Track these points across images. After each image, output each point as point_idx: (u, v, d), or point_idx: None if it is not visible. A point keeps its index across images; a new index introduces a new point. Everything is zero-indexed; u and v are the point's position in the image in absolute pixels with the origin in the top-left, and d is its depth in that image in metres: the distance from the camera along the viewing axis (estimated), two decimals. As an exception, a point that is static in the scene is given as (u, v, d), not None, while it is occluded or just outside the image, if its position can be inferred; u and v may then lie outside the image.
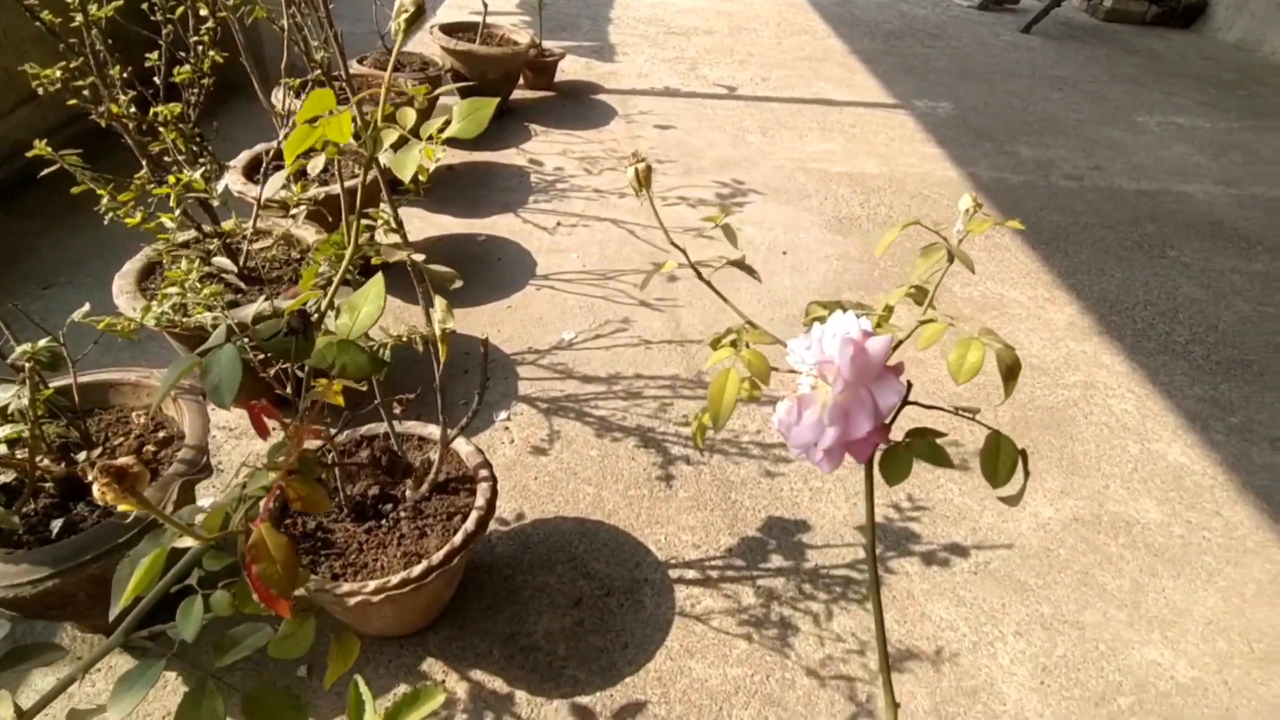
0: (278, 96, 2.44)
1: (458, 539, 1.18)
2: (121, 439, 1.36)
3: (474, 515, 1.22)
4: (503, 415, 1.77)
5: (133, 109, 1.44)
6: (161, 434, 1.37)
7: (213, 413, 1.70)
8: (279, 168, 2.09)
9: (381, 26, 2.92)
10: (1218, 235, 2.84)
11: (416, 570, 1.14)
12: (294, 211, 1.07)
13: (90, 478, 0.45)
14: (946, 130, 3.35)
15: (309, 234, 1.84)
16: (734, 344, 0.68)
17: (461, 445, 1.35)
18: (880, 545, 1.54)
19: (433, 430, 1.38)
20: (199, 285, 1.04)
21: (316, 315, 0.59)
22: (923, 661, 1.35)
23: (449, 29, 3.31)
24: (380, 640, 1.32)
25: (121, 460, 0.46)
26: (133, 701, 0.50)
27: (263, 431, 0.56)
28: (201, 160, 1.40)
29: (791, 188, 2.81)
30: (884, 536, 1.55)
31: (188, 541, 0.56)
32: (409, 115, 0.60)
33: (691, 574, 1.45)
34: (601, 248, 2.41)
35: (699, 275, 0.79)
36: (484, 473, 1.30)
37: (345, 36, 1.40)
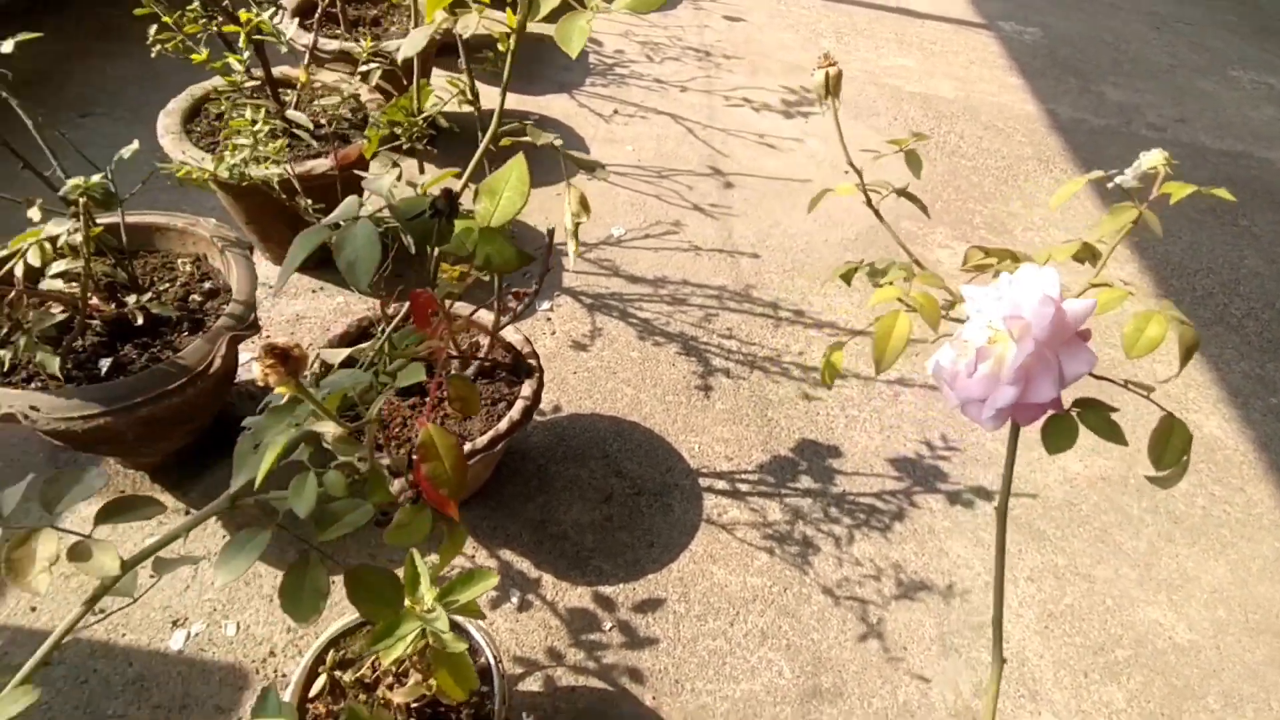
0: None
1: (503, 426, 1.19)
2: (167, 285, 1.35)
3: (520, 404, 1.22)
4: (545, 306, 1.75)
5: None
6: (208, 285, 1.36)
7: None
8: (330, 16, 1.98)
9: None
10: (1295, 207, 2.70)
11: (479, 444, 1.15)
12: (365, 68, 1.01)
13: (253, 356, 0.44)
14: (1030, 59, 3.14)
15: (364, 93, 1.76)
16: (902, 281, 0.64)
17: (511, 333, 1.33)
18: (908, 479, 1.54)
19: (483, 315, 1.36)
20: (265, 138, 0.99)
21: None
22: (934, 594, 1.38)
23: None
24: (305, 554, 1.35)
25: (284, 342, 0.45)
26: (242, 565, 0.50)
27: (424, 323, 0.54)
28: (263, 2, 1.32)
29: (861, 102, 2.66)
30: (913, 471, 1.56)
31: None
32: None
33: (721, 484, 1.47)
34: (658, 143, 2.32)
35: (868, 202, 0.75)
36: (532, 363, 1.29)
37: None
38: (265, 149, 0.97)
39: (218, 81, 1.73)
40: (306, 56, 1.60)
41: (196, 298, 1.32)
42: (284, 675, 1.16)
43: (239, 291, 1.26)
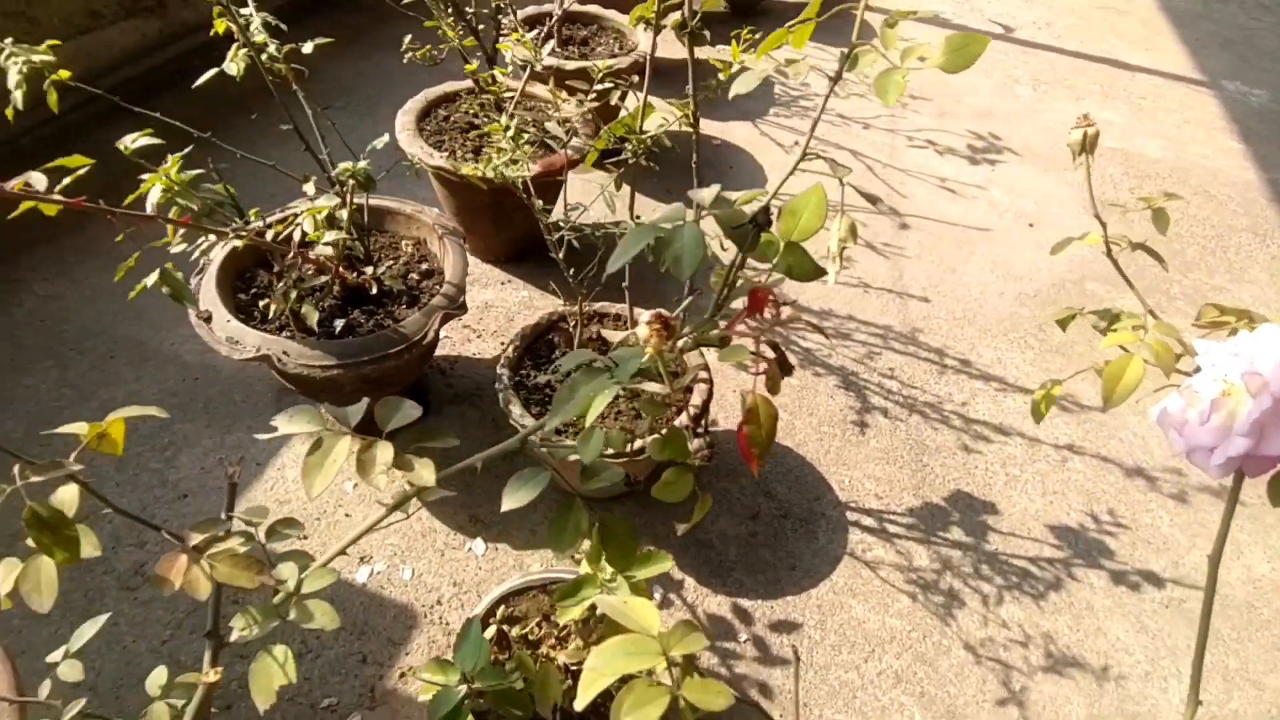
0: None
1: (686, 417, 1.26)
2: (391, 262, 1.53)
3: (690, 411, 1.28)
4: (711, 322, 1.81)
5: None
6: (424, 266, 1.52)
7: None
8: (550, 35, 2.16)
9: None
10: None
11: (636, 445, 1.22)
12: (601, 87, 1.12)
13: (643, 321, 0.54)
14: (1255, 123, 2.89)
15: (569, 107, 1.90)
16: (1135, 330, 0.65)
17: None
18: (1069, 550, 1.47)
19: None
20: (519, 144, 1.12)
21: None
22: (1086, 673, 1.32)
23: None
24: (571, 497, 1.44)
25: (666, 313, 0.55)
26: (525, 497, 0.60)
27: (758, 312, 0.62)
28: (506, 19, 1.48)
29: (1055, 155, 2.56)
30: (1075, 543, 1.49)
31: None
32: (892, 36, 0.61)
33: (868, 521, 1.47)
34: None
35: (1108, 253, 0.77)
36: (703, 374, 1.35)
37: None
38: (517, 154, 1.09)
39: (447, 87, 1.94)
40: (528, 71, 1.76)
41: (414, 276, 1.48)
42: (446, 623, 1.27)
43: (453, 275, 1.41)
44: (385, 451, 0.54)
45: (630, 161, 1.06)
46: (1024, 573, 1.43)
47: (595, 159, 1.15)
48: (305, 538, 1.38)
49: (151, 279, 0.90)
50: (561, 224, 1.13)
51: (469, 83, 1.92)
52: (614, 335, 1.38)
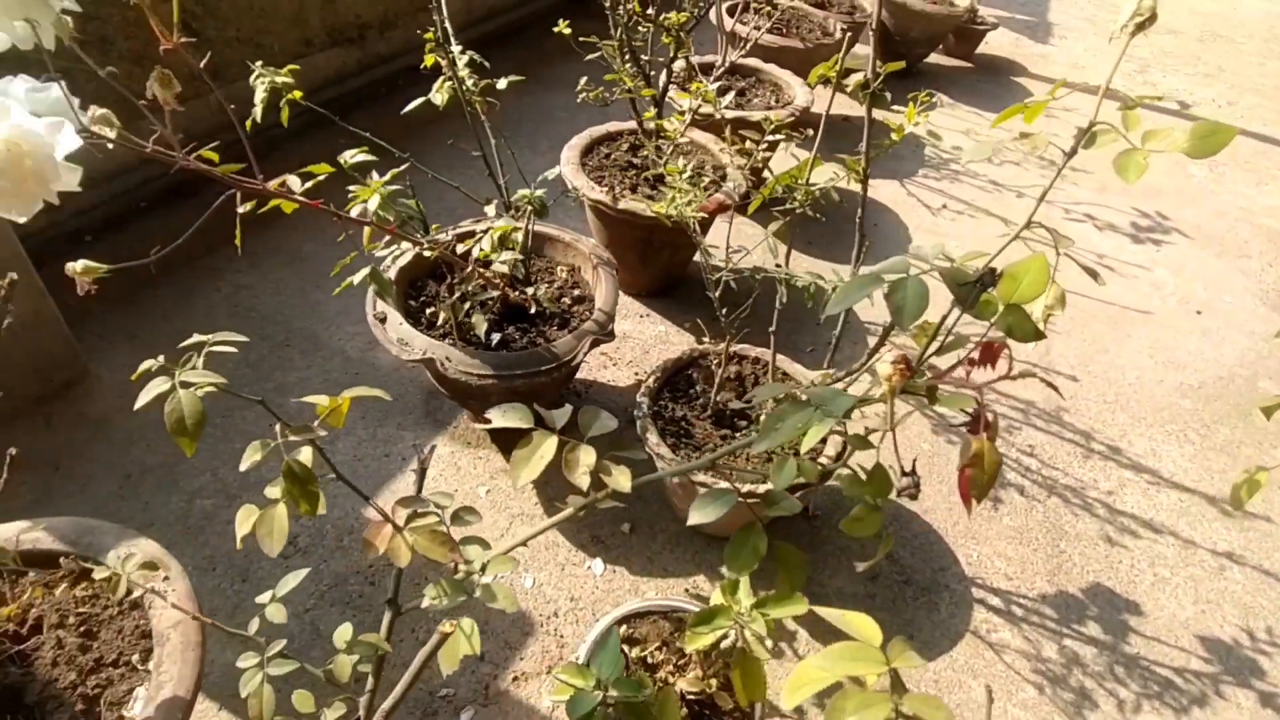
0: (723, 14, 2.59)
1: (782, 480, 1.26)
2: (546, 285, 1.62)
3: (822, 460, 1.28)
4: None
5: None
6: (576, 292, 1.60)
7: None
8: (728, 89, 2.24)
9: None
10: None
11: (760, 489, 1.24)
12: (773, 138, 1.16)
13: (886, 360, 0.57)
14: None
15: (724, 156, 1.97)
16: None
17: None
18: (1219, 665, 1.35)
19: (798, 370, 1.45)
20: (690, 185, 1.18)
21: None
22: (1232, 808, 1.20)
23: (890, -24, 3.23)
24: (685, 527, 1.46)
25: (909, 356, 0.58)
26: (712, 514, 0.64)
27: (993, 361, 0.63)
28: (680, 67, 1.56)
29: (1229, 240, 2.40)
30: (1226, 658, 1.36)
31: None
32: (1134, 118, 0.63)
33: (995, 601, 1.40)
34: (985, 245, 2.28)
35: None
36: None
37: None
38: (693, 194, 1.15)
39: (610, 126, 2.05)
40: (689, 116, 1.84)
41: (566, 300, 1.56)
42: (561, 635, 1.32)
43: (604, 303, 1.48)
44: (588, 455, 0.59)
45: (797, 211, 1.09)
46: (1166, 682, 1.32)
47: (745, 205, 1.20)
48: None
49: (359, 277, 1.01)
50: (721, 265, 1.17)
51: (630, 124, 2.02)
52: (807, 374, 1.39)
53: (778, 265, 1.16)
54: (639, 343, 1.88)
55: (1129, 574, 1.47)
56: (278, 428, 0.60)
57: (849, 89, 1.04)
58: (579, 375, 1.77)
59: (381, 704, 0.69)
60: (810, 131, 1.22)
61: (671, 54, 1.65)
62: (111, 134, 0.72)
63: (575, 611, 1.34)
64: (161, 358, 0.63)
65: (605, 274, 1.55)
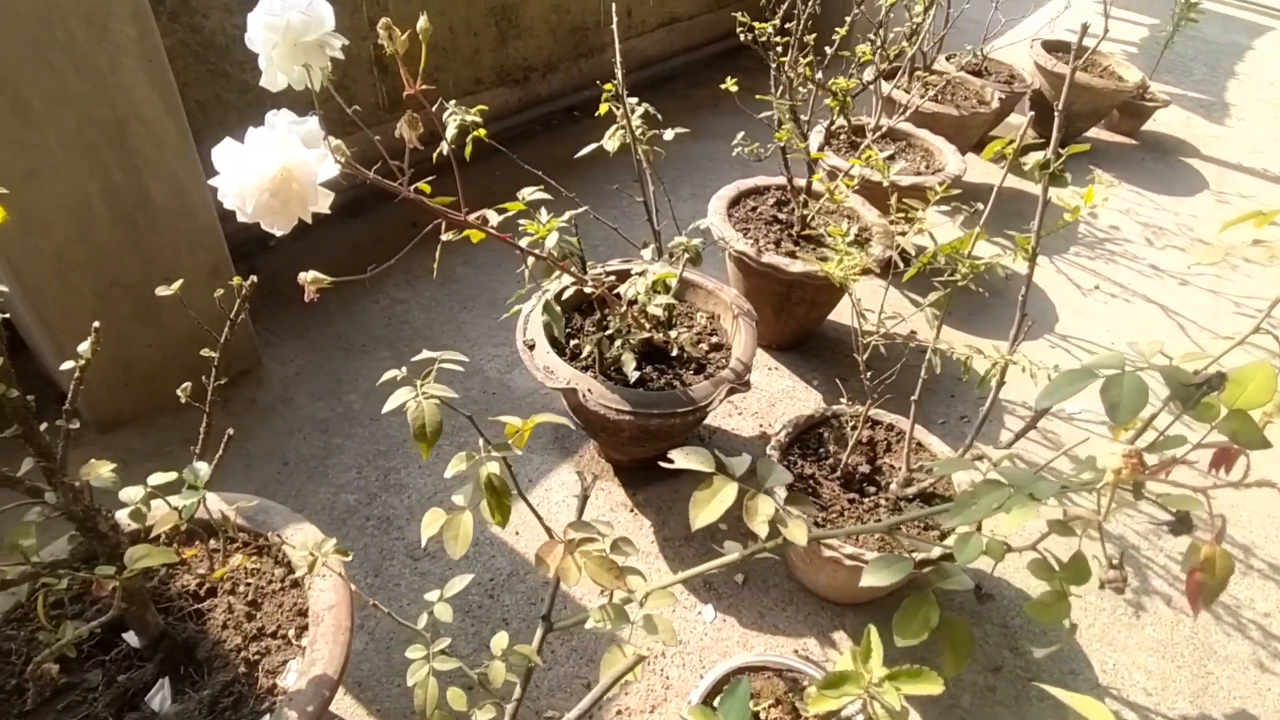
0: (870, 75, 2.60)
1: (934, 552, 1.22)
2: (685, 330, 1.66)
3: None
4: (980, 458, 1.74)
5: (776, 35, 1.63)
6: (714, 339, 1.63)
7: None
8: (854, 144, 2.25)
9: (993, 27, 2.89)
10: None
11: (929, 554, 1.21)
12: (945, 209, 1.16)
13: (1117, 453, 0.57)
14: None
15: (872, 214, 1.97)
16: None
17: (960, 475, 1.37)
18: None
19: (934, 441, 1.42)
20: (851, 248, 1.20)
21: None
22: None
23: (1052, 46, 3.15)
24: (797, 585, 1.44)
25: (1141, 450, 0.58)
26: (886, 579, 0.64)
27: (1228, 465, 0.63)
28: (842, 128, 1.58)
29: None
30: None
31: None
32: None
33: (1131, 716, 1.30)
34: (1141, 333, 2.16)
35: None
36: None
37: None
38: (859, 257, 1.18)
39: (759, 180, 2.09)
40: (841, 178, 1.86)
41: (704, 346, 1.60)
42: (666, 676, 1.32)
43: (743, 353, 1.50)
44: (767, 505, 0.61)
45: (960, 284, 1.09)
46: (1331, 842, 1.18)
47: (914, 274, 1.19)
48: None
49: (529, 306, 1.08)
50: (874, 329, 1.17)
51: (777, 179, 2.06)
52: (943, 447, 1.37)
53: (913, 332, 1.15)
54: (765, 395, 1.89)
55: (1278, 704, 1.33)
56: (480, 443, 0.65)
57: (1027, 167, 1.03)
58: (705, 420, 1.79)
59: (519, 712, 0.73)
60: (980, 205, 1.21)
61: (833, 117, 1.69)
62: (340, 162, 0.81)
63: (683, 655, 1.35)
64: (405, 369, 0.70)
65: (745, 325, 1.57)
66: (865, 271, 1.58)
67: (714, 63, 3.54)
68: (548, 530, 0.68)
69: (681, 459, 0.63)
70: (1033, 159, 1.03)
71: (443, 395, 0.64)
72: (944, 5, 2.52)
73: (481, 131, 1.42)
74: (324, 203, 0.73)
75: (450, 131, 1.41)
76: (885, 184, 1.32)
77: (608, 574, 0.62)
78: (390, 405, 0.63)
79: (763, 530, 0.61)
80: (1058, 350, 2.08)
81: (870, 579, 0.66)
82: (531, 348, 1.48)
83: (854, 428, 1.37)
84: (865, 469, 1.40)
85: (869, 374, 1.24)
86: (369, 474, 1.64)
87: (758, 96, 1.77)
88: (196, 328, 1.79)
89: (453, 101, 1.42)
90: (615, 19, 1.64)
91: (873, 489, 1.38)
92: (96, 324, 0.81)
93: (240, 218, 0.71)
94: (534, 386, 1.85)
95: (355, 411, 1.77)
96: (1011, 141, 1.09)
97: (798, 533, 0.63)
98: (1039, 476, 0.61)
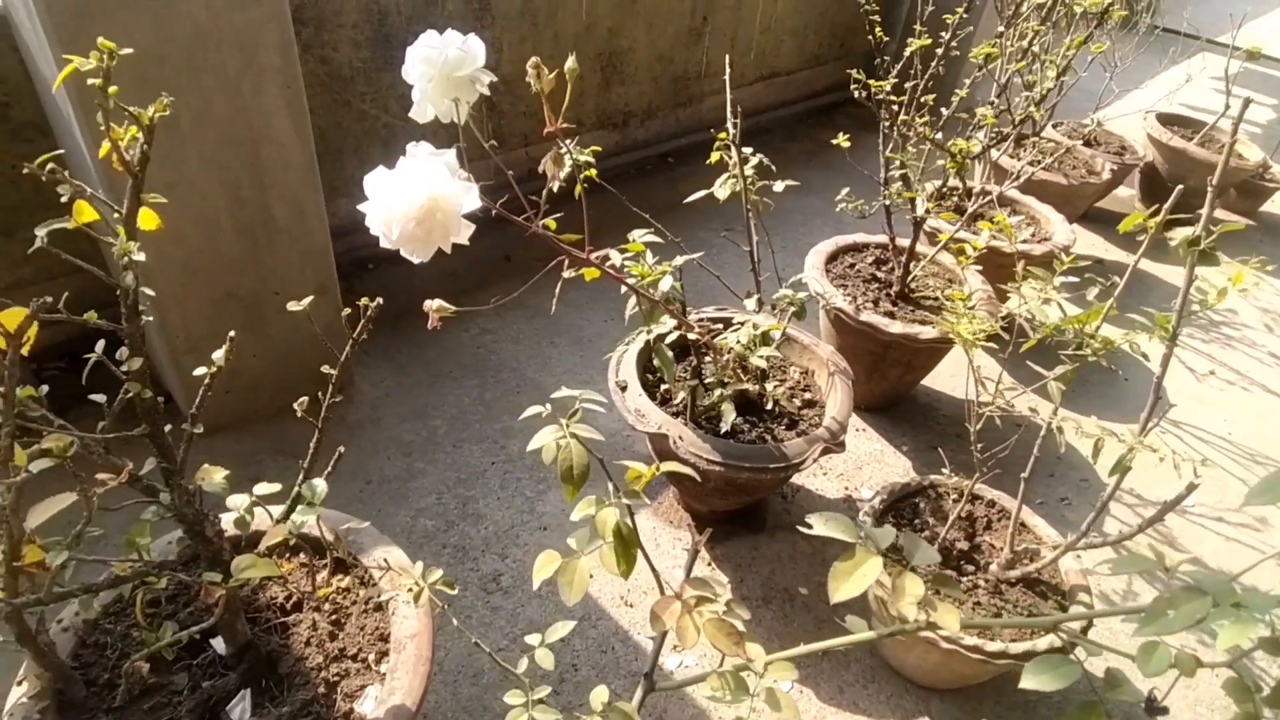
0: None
1: (1041, 644, 1.14)
2: (778, 383, 1.62)
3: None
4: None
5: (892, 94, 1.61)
6: (807, 395, 1.59)
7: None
8: (959, 209, 2.20)
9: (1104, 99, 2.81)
10: None
11: (991, 647, 1.13)
12: (1060, 280, 1.11)
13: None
14: None
15: (975, 280, 1.91)
16: None
17: (1068, 562, 1.28)
18: None
19: (1039, 524, 1.34)
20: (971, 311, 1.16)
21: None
22: None
23: (1167, 119, 3.04)
24: (880, 664, 1.36)
25: None
26: (1047, 683, 0.58)
27: None
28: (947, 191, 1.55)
29: None
30: None
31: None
32: None
33: None
34: (1259, 422, 2.02)
35: None
36: (1083, 595, 1.22)
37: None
38: (981, 321, 1.13)
39: (858, 237, 2.06)
40: (942, 242, 1.81)
41: (797, 401, 1.56)
42: (738, 747, 1.26)
43: (839, 412, 1.45)
44: (916, 585, 0.57)
45: (1090, 359, 1.03)
46: None
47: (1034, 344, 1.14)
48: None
49: (621, 348, 1.07)
50: (989, 399, 1.12)
51: (877, 237, 2.03)
52: (1048, 529, 1.29)
53: (1032, 409, 1.08)
54: (853, 457, 1.82)
55: None
56: (610, 486, 0.63)
57: (1174, 243, 0.97)
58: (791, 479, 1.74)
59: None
60: (1115, 279, 1.15)
61: (946, 178, 1.65)
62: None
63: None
64: (549, 406, 0.69)
65: (842, 383, 1.53)
66: (991, 337, 1.52)
67: (809, 118, 3.55)
68: (661, 586, 0.65)
69: (820, 525, 0.59)
70: (1179, 234, 0.98)
71: (588, 436, 0.62)
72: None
73: (592, 171, 1.44)
74: (465, 234, 0.74)
75: (564, 171, 1.44)
76: (1013, 251, 1.27)
77: (726, 638, 0.59)
78: (535, 444, 0.62)
79: (911, 613, 0.57)
80: (1169, 436, 1.95)
81: (1031, 681, 0.60)
82: (624, 389, 1.46)
83: (955, 501, 1.30)
84: (964, 545, 1.32)
85: (979, 445, 1.18)
86: (448, 501, 1.64)
87: (898, 160, 1.75)
88: (297, 341, 1.86)
89: (570, 141, 1.45)
90: (729, 68, 1.65)
91: (971, 568, 1.30)
92: (232, 333, 0.84)
93: (384, 243, 0.72)
94: (617, 428, 1.84)
95: (439, 437, 1.79)
96: (1155, 214, 1.03)
97: (949, 618, 0.58)
98: (1247, 586, 0.55)
